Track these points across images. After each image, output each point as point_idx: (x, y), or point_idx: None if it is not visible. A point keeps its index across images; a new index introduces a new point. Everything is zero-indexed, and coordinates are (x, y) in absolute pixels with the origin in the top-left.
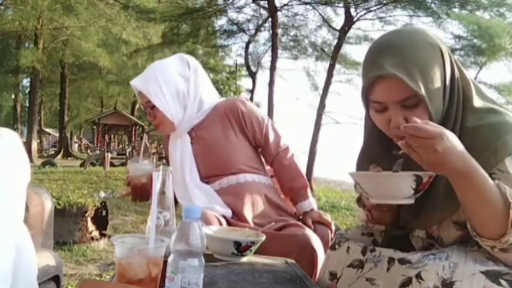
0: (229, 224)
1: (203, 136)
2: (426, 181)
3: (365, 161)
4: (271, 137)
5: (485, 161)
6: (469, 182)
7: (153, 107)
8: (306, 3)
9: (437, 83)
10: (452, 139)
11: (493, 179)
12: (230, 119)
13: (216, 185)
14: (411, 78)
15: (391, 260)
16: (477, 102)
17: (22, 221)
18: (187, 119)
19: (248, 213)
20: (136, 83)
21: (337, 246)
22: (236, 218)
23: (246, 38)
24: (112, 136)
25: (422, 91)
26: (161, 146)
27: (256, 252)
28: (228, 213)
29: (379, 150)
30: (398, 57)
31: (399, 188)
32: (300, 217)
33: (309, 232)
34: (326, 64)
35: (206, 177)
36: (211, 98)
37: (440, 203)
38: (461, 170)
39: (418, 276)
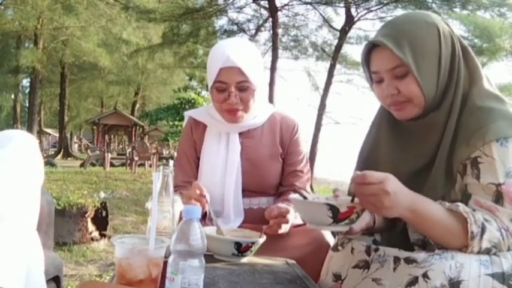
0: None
1: (251, 146)
2: (346, 211)
3: (368, 159)
4: (305, 175)
5: (475, 141)
6: (418, 213)
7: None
8: (306, 3)
9: (429, 57)
10: (394, 180)
11: (478, 162)
12: (282, 135)
13: (255, 202)
14: (399, 48)
15: (396, 260)
16: (486, 85)
17: (35, 227)
18: (251, 114)
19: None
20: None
21: (340, 248)
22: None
23: (246, 38)
24: (112, 136)
25: (409, 60)
26: (161, 147)
27: (265, 247)
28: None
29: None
30: (391, 29)
31: (315, 215)
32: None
33: None
34: (326, 64)
35: (244, 190)
36: (265, 103)
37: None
38: (410, 205)
39: (425, 276)
